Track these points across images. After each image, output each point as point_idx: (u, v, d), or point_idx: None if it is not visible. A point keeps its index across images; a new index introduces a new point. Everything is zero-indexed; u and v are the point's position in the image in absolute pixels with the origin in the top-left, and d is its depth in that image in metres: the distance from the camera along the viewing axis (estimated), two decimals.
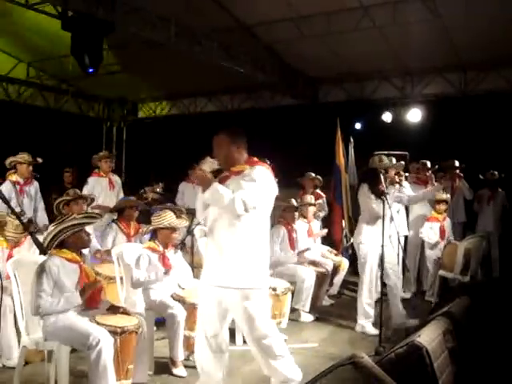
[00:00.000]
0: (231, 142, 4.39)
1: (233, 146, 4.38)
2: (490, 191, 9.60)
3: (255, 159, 4.42)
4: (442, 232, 8.49)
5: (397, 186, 6.90)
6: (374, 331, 6.66)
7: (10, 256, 5.35)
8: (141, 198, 8.73)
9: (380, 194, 6.39)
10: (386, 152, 9.06)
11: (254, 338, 4.32)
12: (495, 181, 9.57)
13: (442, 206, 8.53)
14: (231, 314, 4.42)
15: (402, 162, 7.16)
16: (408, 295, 8.51)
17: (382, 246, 6.28)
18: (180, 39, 8.99)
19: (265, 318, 4.36)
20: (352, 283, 9.46)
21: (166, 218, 5.64)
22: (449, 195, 8.79)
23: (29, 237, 5.67)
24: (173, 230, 5.68)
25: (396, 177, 6.90)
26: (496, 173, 9.54)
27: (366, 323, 6.86)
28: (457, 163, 9.32)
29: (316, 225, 8.69)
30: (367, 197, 6.65)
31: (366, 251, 6.74)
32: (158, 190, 10.90)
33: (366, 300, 6.84)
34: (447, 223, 8.66)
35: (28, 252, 5.60)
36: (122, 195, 9.15)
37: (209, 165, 4.34)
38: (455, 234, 9.00)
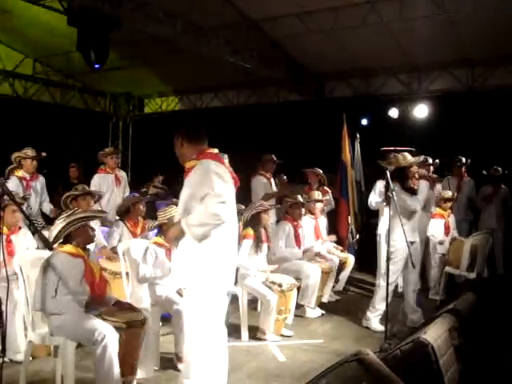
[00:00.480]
0: (182, 141, 4.48)
1: (184, 144, 4.47)
2: (493, 187, 9.55)
3: (207, 151, 4.43)
4: (447, 228, 8.49)
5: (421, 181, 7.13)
6: (380, 327, 6.68)
7: (8, 242, 5.48)
8: (143, 194, 8.74)
9: (412, 191, 6.71)
10: (392, 148, 9.07)
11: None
12: (498, 177, 9.51)
13: (448, 204, 8.54)
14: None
15: (421, 157, 7.17)
16: None
17: (411, 242, 6.52)
18: (186, 35, 8.99)
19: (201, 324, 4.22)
20: (358, 279, 9.47)
21: (172, 212, 5.63)
22: (455, 193, 8.79)
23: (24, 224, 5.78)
24: None
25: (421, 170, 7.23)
26: (500, 169, 9.48)
27: (374, 318, 6.87)
28: (463, 160, 9.32)
29: (323, 221, 8.68)
30: (400, 194, 6.65)
31: (398, 248, 6.67)
32: (157, 183, 10.92)
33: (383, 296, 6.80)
34: (451, 219, 8.66)
35: (24, 238, 5.73)
36: (128, 191, 9.18)
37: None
38: (460, 231, 8.97)
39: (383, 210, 8.60)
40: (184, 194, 4.32)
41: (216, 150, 4.45)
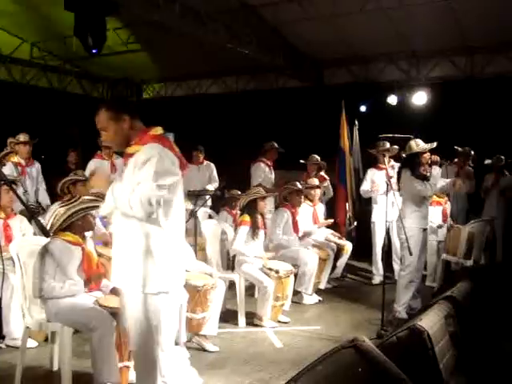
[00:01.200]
0: (128, 118, 3.54)
1: (120, 122, 3.53)
2: (495, 176, 9.54)
3: (149, 133, 3.54)
4: (445, 215, 8.51)
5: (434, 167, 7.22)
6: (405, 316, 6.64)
7: (5, 226, 5.56)
8: None
9: (423, 177, 6.62)
10: (390, 135, 9.06)
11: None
12: (501, 166, 9.50)
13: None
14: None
15: (434, 143, 7.15)
16: None
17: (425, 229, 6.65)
18: (185, 20, 8.91)
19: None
20: (355, 267, 9.51)
21: None
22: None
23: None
24: None
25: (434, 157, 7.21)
26: (503, 157, 9.45)
27: (403, 308, 6.73)
28: (472, 153, 9.30)
29: (321, 208, 8.69)
30: (411, 181, 6.67)
31: (413, 234, 6.62)
32: None
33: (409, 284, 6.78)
34: (448, 206, 8.68)
35: (20, 224, 5.75)
36: None
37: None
38: (458, 219, 8.98)
39: (376, 199, 8.65)
40: (118, 189, 3.41)
41: (160, 130, 3.59)
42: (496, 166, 9.51)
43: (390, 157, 8.40)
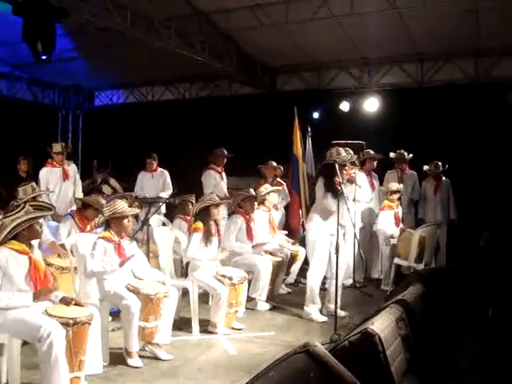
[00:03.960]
0: None
1: None
2: (435, 181, 9.67)
3: None
4: (397, 219, 8.65)
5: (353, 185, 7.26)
6: (322, 318, 6.81)
7: None
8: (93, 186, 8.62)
9: (335, 191, 6.42)
10: (343, 141, 9.15)
11: None
12: (439, 172, 9.60)
13: (395, 196, 8.69)
14: None
15: (356, 156, 7.19)
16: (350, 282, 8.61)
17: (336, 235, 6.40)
18: (136, 26, 8.83)
19: None
20: None
21: (117, 205, 5.55)
22: (401, 185, 8.95)
23: None
24: (124, 217, 5.57)
25: (353, 174, 7.23)
26: (440, 163, 9.56)
27: (313, 310, 6.96)
28: (406, 154, 9.49)
29: (276, 214, 8.71)
30: (322, 192, 6.69)
31: (314, 238, 6.85)
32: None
33: (315, 285, 6.97)
34: (400, 210, 8.84)
35: None
36: (80, 184, 9.07)
37: None
38: (405, 224, 9.12)
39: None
40: None
41: None
42: (434, 172, 9.62)
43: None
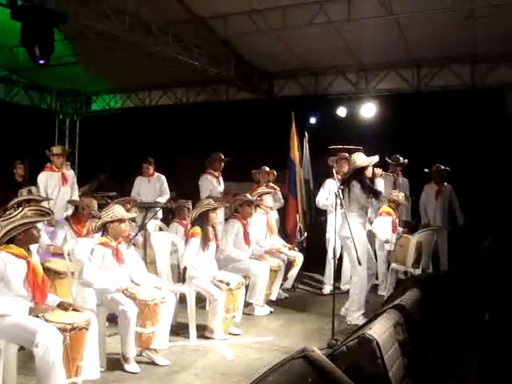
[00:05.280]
0: None
1: None
2: (437, 186, 9.67)
3: None
4: (394, 225, 8.62)
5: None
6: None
7: None
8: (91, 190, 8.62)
9: (371, 189, 6.88)
10: (340, 146, 9.16)
11: None
12: (441, 175, 9.61)
13: (393, 204, 8.68)
14: None
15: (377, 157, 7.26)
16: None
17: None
18: (134, 32, 8.83)
19: None
20: (306, 277, 9.55)
21: (114, 210, 5.55)
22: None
23: None
24: (121, 221, 5.57)
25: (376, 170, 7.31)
26: (442, 166, 9.57)
27: (359, 315, 6.91)
28: (401, 160, 9.51)
29: (273, 216, 8.73)
30: (360, 194, 6.88)
31: (359, 243, 6.75)
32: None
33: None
34: (398, 216, 8.84)
35: None
36: (76, 189, 9.06)
37: None
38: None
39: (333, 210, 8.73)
40: None
41: None
42: (436, 173, 9.62)
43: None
